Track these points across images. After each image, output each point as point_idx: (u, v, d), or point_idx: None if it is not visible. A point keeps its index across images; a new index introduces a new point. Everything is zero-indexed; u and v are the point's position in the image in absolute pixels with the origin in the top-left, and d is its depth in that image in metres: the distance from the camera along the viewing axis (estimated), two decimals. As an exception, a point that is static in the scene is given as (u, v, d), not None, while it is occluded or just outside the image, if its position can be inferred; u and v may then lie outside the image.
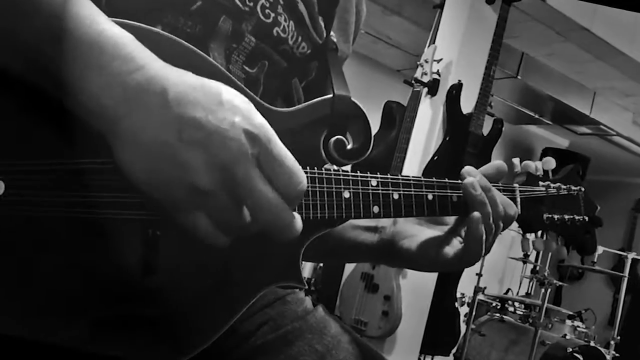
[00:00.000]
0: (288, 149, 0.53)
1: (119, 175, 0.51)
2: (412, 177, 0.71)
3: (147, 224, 0.56)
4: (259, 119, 0.51)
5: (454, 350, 3.64)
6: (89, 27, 0.49)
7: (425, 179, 0.72)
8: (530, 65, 4.48)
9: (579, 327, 3.59)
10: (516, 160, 0.85)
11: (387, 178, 0.69)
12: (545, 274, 3.50)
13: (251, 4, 0.70)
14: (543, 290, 3.38)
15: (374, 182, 0.68)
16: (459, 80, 3.33)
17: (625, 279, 3.75)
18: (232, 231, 0.53)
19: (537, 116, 5.51)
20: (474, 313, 3.53)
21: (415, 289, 3.20)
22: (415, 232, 0.80)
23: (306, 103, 0.67)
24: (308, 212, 0.62)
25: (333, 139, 0.66)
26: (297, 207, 0.61)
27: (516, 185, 0.81)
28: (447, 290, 3.54)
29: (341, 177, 0.65)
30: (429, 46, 3.29)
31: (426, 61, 3.21)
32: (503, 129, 3.54)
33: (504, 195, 0.78)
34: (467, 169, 0.74)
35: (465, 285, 3.73)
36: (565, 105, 4.90)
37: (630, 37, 3.87)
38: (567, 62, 4.37)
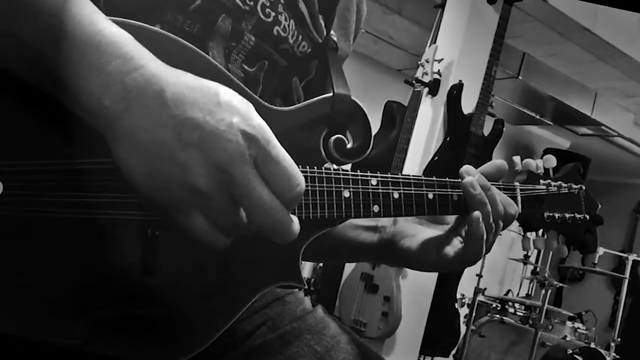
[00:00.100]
0: (287, 148, 0.52)
1: (117, 175, 0.51)
2: (413, 176, 0.71)
3: (146, 224, 0.55)
4: (258, 120, 0.51)
5: (453, 352, 3.63)
6: (88, 26, 0.49)
7: (425, 178, 0.72)
8: (532, 65, 4.48)
9: (579, 328, 3.59)
10: (517, 159, 0.84)
11: (387, 177, 0.69)
12: (546, 275, 3.50)
13: (251, 3, 0.69)
14: (543, 291, 3.38)
15: (374, 182, 0.68)
16: (460, 81, 3.33)
17: (626, 281, 3.74)
18: (230, 232, 0.53)
19: (538, 117, 5.51)
20: (474, 314, 3.53)
21: (415, 289, 3.19)
22: (416, 231, 0.80)
23: (306, 102, 0.67)
24: (308, 212, 0.62)
25: (333, 138, 0.66)
26: (297, 206, 0.60)
27: (517, 183, 0.81)
28: (447, 291, 3.54)
29: (341, 176, 0.65)
30: (429, 46, 3.28)
31: (427, 61, 3.21)
32: (504, 129, 3.53)
33: (505, 193, 0.77)
34: (466, 168, 0.74)
35: (465, 286, 3.72)
36: (567, 105, 4.90)
37: (631, 37, 3.86)
38: (568, 62, 4.37)
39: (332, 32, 0.80)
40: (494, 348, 3.44)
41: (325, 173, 0.64)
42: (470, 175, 0.73)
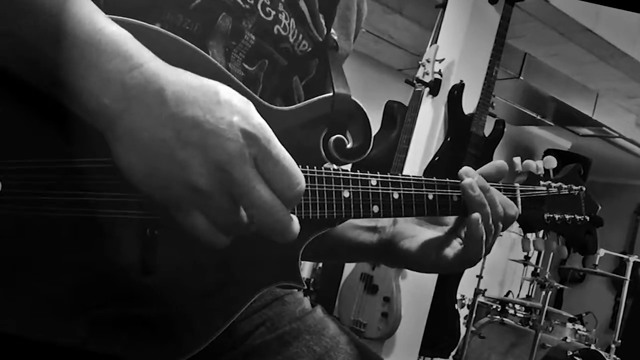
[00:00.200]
0: (287, 147, 0.53)
1: (117, 174, 0.51)
2: (413, 176, 0.71)
3: (145, 223, 0.55)
4: (258, 119, 0.51)
5: (453, 353, 3.63)
6: (87, 25, 0.49)
7: (425, 179, 0.72)
8: (533, 65, 4.47)
9: (579, 330, 3.59)
10: (517, 160, 0.84)
11: (387, 177, 0.69)
12: (546, 276, 3.49)
13: (252, 1, 0.69)
14: (544, 292, 3.37)
15: (373, 182, 0.67)
16: (461, 81, 3.32)
17: (627, 282, 3.73)
18: (230, 231, 0.53)
19: (539, 117, 5.50)
20: (474, 315, 3.52)
21: (415, 290, 3.19)
22: (415, 232, 0.80)
23: (306, 102, 0.67)
24: (307, 212, 0.62)
25: (333, 137, 0.66)
26: (296, 206, 0.60)
27: (517, 184, 0.80)
28: (447, 292, 3.54)
29: (341, 176, 0.65)
30: (430, 46, 3.28)
31: (428, 61, 3.20)
32: (505, 129, 3.52)
33: (505, 194, 0.77)
34: (465, 169, 0.74)
35: (466, 287, 3.72)
36: (568, 106, 4.89)
37: (633, 38, 3.85)
38: (570, 63, 4.36)
39: (332, 31, 0.79)
40: (494, 349, 3.44)
41: (325, 173, 0.64)
42: (470, 176, 0.73)
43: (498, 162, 0.79)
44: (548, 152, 5.91)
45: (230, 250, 0.55)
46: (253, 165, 0.50)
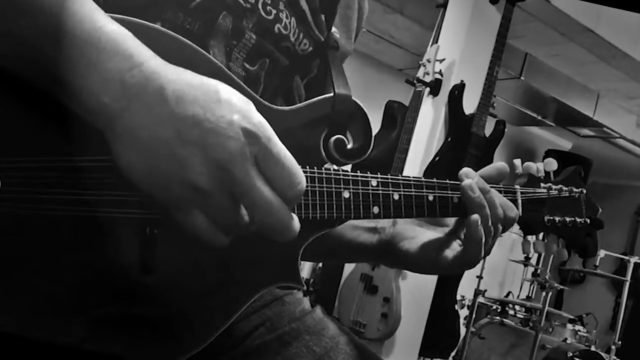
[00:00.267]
0: (287, 147, 0.53)
1: (117, 173, 0.51)
2: (413, 177, 0.71)
3: (146, 222, 0.55)
4: (258, 117, 0.51)
5: (453, 353, 3.63)
6: (87, 24, 0.49)
7: (425, 180, 0.72)
8: (534, 66, 4.46)
9: (580, 331, 3.58)
10: (517, 162, 0.84)
11: (388, 178, 0.68)
12: (547, 277, 3.49)
13: (253, 0, 0.69)
14: (544, 293, 3.37)
15: (374, 183, 0.67)
16: (462, 81, 3.32)
17: (627, 283, 3.73)
18: (230, 230, 0.52)
19: (539, 118, 5.49)
20: (474, 316, 3.52)
21: (415, 290, 3.18)
22: (415, 233, 0.80)
23: (306, 102, 0.67)
24: (307, 212, 0.62)
25: (333, 138, 0.66)
26: (296, 206, 0.60)
27: (517, 186, 0.80)
28: (447, 293, 3.53)
29: (341, 177, 0.65)
30: (431, 45, 3.27)
31: (428, 61, 3.20)
32: (505, 130, 3.52)
33: (505, 196, 0.77)
34: (465, 170, 0.74)
35: (466, 287, 3.72)
36: (569, 107, 4.88)
37: (634, 39, 3.84)
38: (571, 63, 4.35)
39: (334, 29, 0.79)
40: (494, 350, 3.44)
41: (325, 173, 0.64)
42: (470, 177, 0.73)
43: (499, 164, 0.78)
44: (549, 152, 5.91)
45: (230, 250, 0.55)
46: (254, 164, 0.50)
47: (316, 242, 0.66)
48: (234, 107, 0.50)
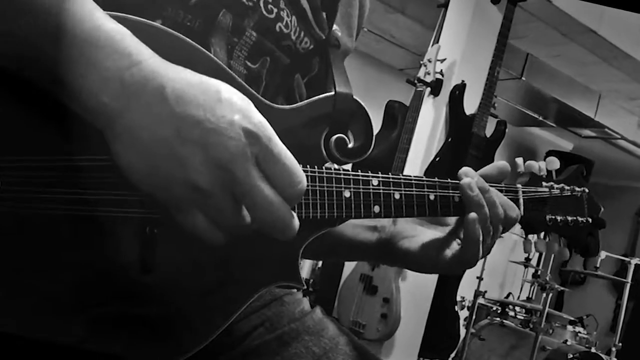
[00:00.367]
0: (288, 146, 0.53)
1: (116, 172, 0.51)
2: (414, 176, 0.71)
3: (146, 221, 0.55)
4: (258, 117, 0.51)
5: (452, 354, 3.62)
6: (86, 23, 0.49)
7: (427, 179, 0.71)
8: (535, 66, 4.46)
9: (580, 333, 3.57)
10: (519, 160, 0.84)
11: (389, 177, 0.68)
12: (547, 278, 3.48)
13: None
14: (544, 294, 3.36)
15: (375, 182, 0.67)
16: (463, 81, 3.31)
17: (628, 285, 3.72)
18: (231, 230, 0.53)
19: (541, 118, 5.49)
20: (474, 317, 3.51)
21: (415, 291, 3.18)
22: (415, 232, 0.80)
23: (307, 100, 0.66)
24: (308, 211, 0.62)
25: (334, 137, 0.66)
26: (297, 206, 0.60)
27: (519, 185, 0.80)
28: (447, 293, 3.53)
29: (342, 176, 0.65)
30: (432, 45, 3.27)
31: (429, 61, 3.19)
32: (506, 130, 3.51)
33: (507, 195, 0.77)
34: (465, 169, 0.74)
35: (466, 288, 3.71)
36: (570, 107, 4.87)
37: (636, 39, 3.83)
38: (572, 63, 4.34)
39: (335, 27, 0.79)
40: (494, 351, 3.43)
41: (326, 173, 0.63)
42: (469, 176, 0.72)
43: (500, 163, 0.78)
44: (549, 153, 5.90)
45: (229, 250, 0.55)
46: (254, 164, 0.50)
47: (316, 241, 0.66)
48: (234, 107, 0.50)
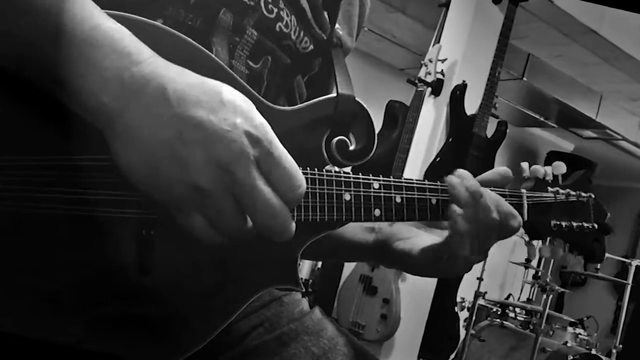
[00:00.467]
0: (289, 149, 0.53)
1: (117, 172, 0.50)
2: (415, 180, 0.70)
3: (145, 222, 0.55)
4: (260, 120, 0.51)
5: (452, 355, 3.62)
6: (85, 23, 0.49)
7: (429, 183, 0.70)
8: (536, 66, 4.45)
9: (580, 334, 3.57)
10: (525, 165, 0.82)
11: (390, 181, 0.67)
12: (547, 279, 3.47)
13: None
14: (545, 296, 3.36)
15: (375, 185, 0.66)
16: (464, 81, 3.30)
17: (629, 287, 3.71)
18: (230, 232, 0.52)
19: (542, 119, 5.48)
20: (473, 318, 3.51)
21: (415, 292, 3.17)
22: (411, 234, 0.79)
23: (308, 102, 0.66)
24: (307, 214, 0.61)
25: (335, 139, 0.65)
26: (297, 208, 0.60)
27: (523, 191, 0.78)
28: (447, 294, 3.52)
29: (342, 178, 0.64)
30: (433, 45, 3.26)
31: (430, 60, 3.18)
32: (507, 131, 3.50)
33: (511, 201, 0.75)
34: (459, 171, 0.72)
35: (466, 289, 3.71)
36: (571, 108, 4.87)
37: (638, 40, 3.82)
38: (573, 64, 4.34)
39: (337, 26, 0.79)
40: (494, 353, 3.43)
41: (327, 175, 0.63)
42: (457, 176, 0.70)
43: (501, 168, 0.77)
44: (551, 154, 5.90)
45: (228, 251, 0.55)
46: (255, 167, 0.50)
47: (316, 242, 0.65)
48: (237, 109, 0.50)
